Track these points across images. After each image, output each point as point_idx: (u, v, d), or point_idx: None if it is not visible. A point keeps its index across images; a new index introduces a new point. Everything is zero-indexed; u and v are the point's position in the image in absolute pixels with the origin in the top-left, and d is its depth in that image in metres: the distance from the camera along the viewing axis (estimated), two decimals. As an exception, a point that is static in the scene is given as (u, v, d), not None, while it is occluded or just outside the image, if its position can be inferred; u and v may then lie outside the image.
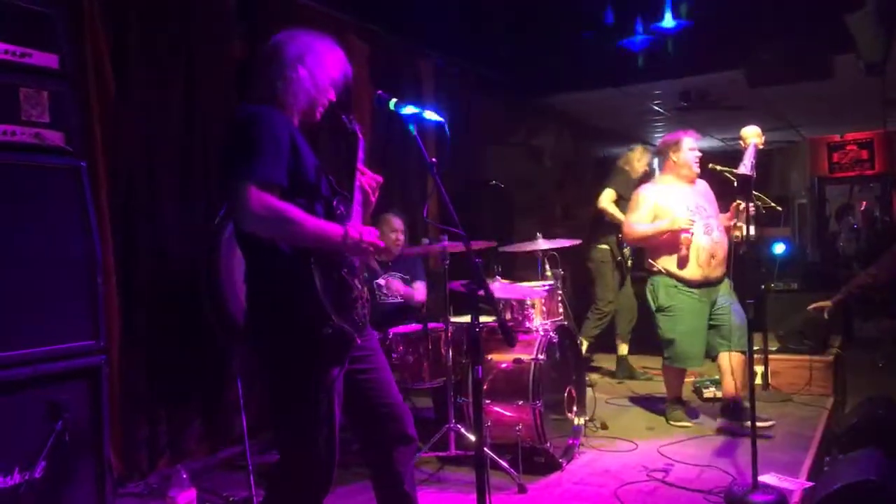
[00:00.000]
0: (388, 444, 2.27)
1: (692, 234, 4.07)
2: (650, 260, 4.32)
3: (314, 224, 1.99)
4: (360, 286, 2.14)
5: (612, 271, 5.78)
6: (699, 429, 4.26)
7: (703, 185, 4.38)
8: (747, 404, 3.55)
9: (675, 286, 4.19)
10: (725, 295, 4.23)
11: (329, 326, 1.98)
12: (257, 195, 1.91)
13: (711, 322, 4.22)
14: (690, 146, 4.26)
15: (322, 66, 2.17)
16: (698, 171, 4.28)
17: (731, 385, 4.16)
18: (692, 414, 4.47)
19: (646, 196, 4.32)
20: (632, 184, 5.78)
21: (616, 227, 5.65)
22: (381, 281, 4.36)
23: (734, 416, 4.10)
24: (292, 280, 2.00)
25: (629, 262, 5.80)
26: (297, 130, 2.13)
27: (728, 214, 4.23)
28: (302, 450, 2.08)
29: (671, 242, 4.16)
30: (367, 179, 2.27)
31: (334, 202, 2.16)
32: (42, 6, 2.59)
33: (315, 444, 2.04)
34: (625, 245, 5.71)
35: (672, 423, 4.33)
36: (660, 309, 4.28)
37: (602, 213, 5.67)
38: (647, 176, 5.92)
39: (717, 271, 4.17)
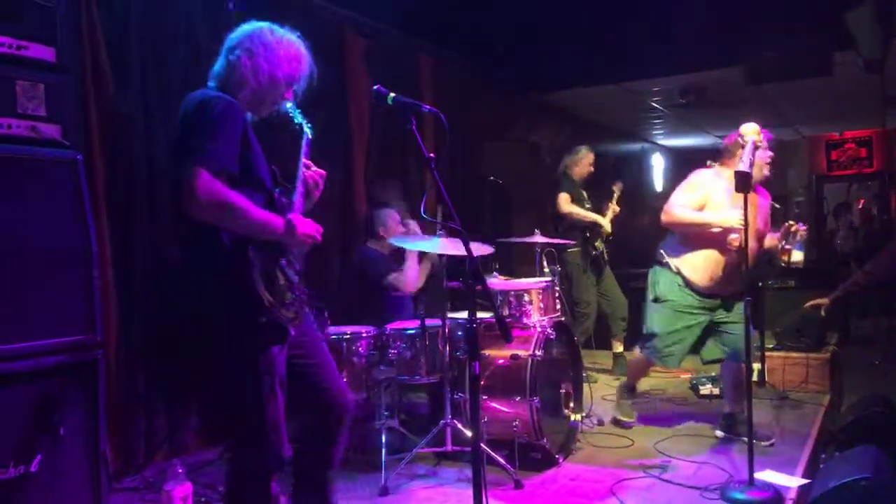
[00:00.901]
0: (326, 427, 2.35)
1: (741, 239, 3.48)
2: (662, 251, 4.02)
3: (258, 214, 2.04)
4: (296, 277, 2.19)
5: (585, 272, 5.71)
6: (696, 427, 4.26)
7: (764, 199, 3.94)
8: (743, 417, 3.53)
9: (681, 285, 3.93)
10: (735, 303, 3.87)
11: (263, 315, 2.02)
12: (206, 181, 1.94)
13: (717, 328, 3.95)
14: (764, 145, 3.70)
15: (273, 62, 2.22)
16: (768, 174, 3.79)
17: (737, 399, 3.99)
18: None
19: (701, 181, 3.89)
20: (578, 185, 5.79)
21: (581, 227, 5.64)
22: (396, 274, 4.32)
23: (732, 429, 3.99)
24: (230, 267, 2.03)
25: (605, 255, 5.76)
26: (247, 121, 2.18)
27: (778, 235, 3.89)
28: (248, 430, 2.12)
29: (707, 239, 3.79)
30: (312, 174, 2.35)
31: (276, 193, 2.22)
32: (39, -2, 2.58)
33: (262, 423, 2.08)
34: (597, 240, 5.69)
35: (618, 417, 4.25)
36: (657, 300, 4.01)
37: (563, 217, 5.64)
38: (591, 176, 5.90)
39: (729, 289, 3.84)
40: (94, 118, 3.34)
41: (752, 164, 3.10)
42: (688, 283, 3.91)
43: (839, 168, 11.06)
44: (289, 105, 2.35)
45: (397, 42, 5.50)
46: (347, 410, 2.38)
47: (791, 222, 3.73)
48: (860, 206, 10.65)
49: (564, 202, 5.65)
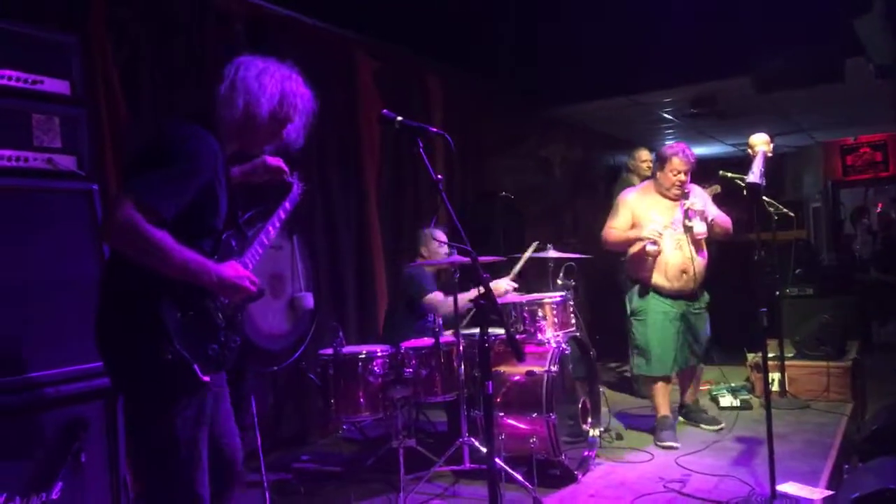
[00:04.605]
0: (217, 480, 2.15)
1: (659, 248, 4.09)
2: (627, 268, 4.38)
3: (182, 257, 1.89)
4: (223, 322, 2.07)
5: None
6: (717, 438, 4.22)
7: (695, 190, 4.31)
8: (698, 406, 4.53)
9: (651, 293, 4.22)
10: (698, 310, 4.29)
11: (170, 352, 1.90)
12: (131, 214, 1.81)
13: (687, 329, 4.25)
14: (675, 169, 4.15)
15: (252, 98, 2.07)
16: (679, 194, 4.20)
17: (692, 392, 4.53)
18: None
19: (626, 202, 4.32)
20: None
21: None
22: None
23: (690, 415, 4.49)
24: (140, 300, 1.92)
25: None
26: (223, 159, 2.06)
27: (686, 215, 4.16)
28: (159, 481, 2.00)
29: (641, 253, 4.16)
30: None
31: (224, 236, 2.10)
32: (52, 33, 2.64)
33: (177, 464, 1.96)
34: None
35: (658, 444, 4.13)
36: (633, 313, 4.30)
37: None
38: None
39: (690, 285, 4.17)
40: (108, 148, 3.40)
41: (762, 175, 3.09)
42: (656, 290, 4.21)
43: (855, 173, 10.96)
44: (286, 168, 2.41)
45: (407, 62, 5.56)
46: (237, 473, 2.23)
47: (684, 201, 4.14)
48: (878, 211, 10.55)
49: None
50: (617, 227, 4.29)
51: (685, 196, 4.19)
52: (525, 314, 3.87)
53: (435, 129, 2.18)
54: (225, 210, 2.09)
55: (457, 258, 3.72)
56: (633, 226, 4.24)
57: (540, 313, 3.84)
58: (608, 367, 6.20)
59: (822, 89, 6.19)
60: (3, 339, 2.38)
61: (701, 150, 10.21)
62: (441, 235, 4.39)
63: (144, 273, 1.89)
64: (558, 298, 3.94)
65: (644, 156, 5.87)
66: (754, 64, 5.80)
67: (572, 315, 4.05)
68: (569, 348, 3.76)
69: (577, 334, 4.00)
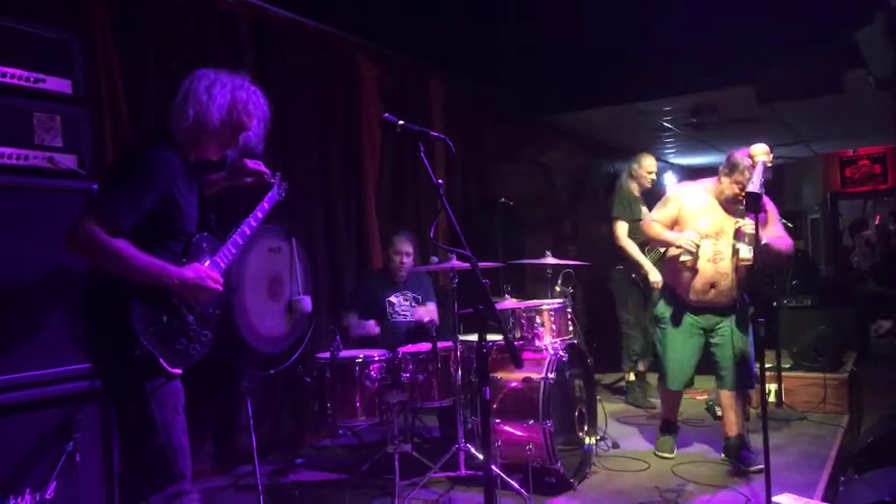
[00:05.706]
0: None
1: (694, 258, 3.75)
2: (663, 269, 4.24)
3: (142, 262, 2.06)
4: (192, 318, 2.21)
5: (629, 290, 5.51)
6: (713, 450, 4.21)
7: (765, 206, 3.70)
8: (746, 441, 3.82)
9: (675, 300, 3.99)
10: (729, 326, 3.87)
11: (138, 348, 2.05)
12: (90, 227, 2.00)
13: (709, 349, 3.95)
14: (741, 183, 3.67)
15: (201, 106, 2.21)
16: (734, 209, 3.80)
17: (730, 423, 3.90)
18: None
19: (676, 196, 3.99)
20: (634, 202, 5.47)
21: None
22: (392, 299, 4.38)
23: (733, 456, 3.86)
24: (110, 304, 2.07)
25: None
26: (183, 168, 2.21)
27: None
28: (142, 462, 2.15)
29: (675, 257, 3.87)
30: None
31: (196, 238, 2.25)
32: (55, 31, 2.64)
33: (158, 447, 2.11)
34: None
35: (656, 452, 4.10)
36: (657, 319, 4.12)
37: (617, 239, 5.36)
38: (653, 186, 5.63)
39: (720, 300, 3.83)
40: (109, 148, 3.40)
41: (762, 185, 3.09)
42: (681, 300, 3.94)
43: (853, 185, 11.00)
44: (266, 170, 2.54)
45: (409, 67, 5.56)
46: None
47: (737, 220, 3.73)
48: (877, 223, 10.57)
49: (620, 234, 5.33)
50: (659, 221, 3.94)
51: (741, 213, 3.73)
52: (523, 320, 3.87)
53: (436, 134, 2.18)
54: (195, 214, 2.25)
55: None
56: (676, 222, 3.90)
57: (538, 320, 3.84)
58: (605, 376, 6.19)
59: (822, 101, 6.22)
60: (1, 337, 2.37)
61: (700, 160, 10.26)
62: (405, 245, 4.38)
63: (112, 279, 2.06)
64: (557, 305, 3.94)
65: (650, 165, 5.55)
66: (755, 74, 5.82)
67: (570, 322, 4.05)
68: (566, 355, 3.76)
69: (575, 342, 4.00)
